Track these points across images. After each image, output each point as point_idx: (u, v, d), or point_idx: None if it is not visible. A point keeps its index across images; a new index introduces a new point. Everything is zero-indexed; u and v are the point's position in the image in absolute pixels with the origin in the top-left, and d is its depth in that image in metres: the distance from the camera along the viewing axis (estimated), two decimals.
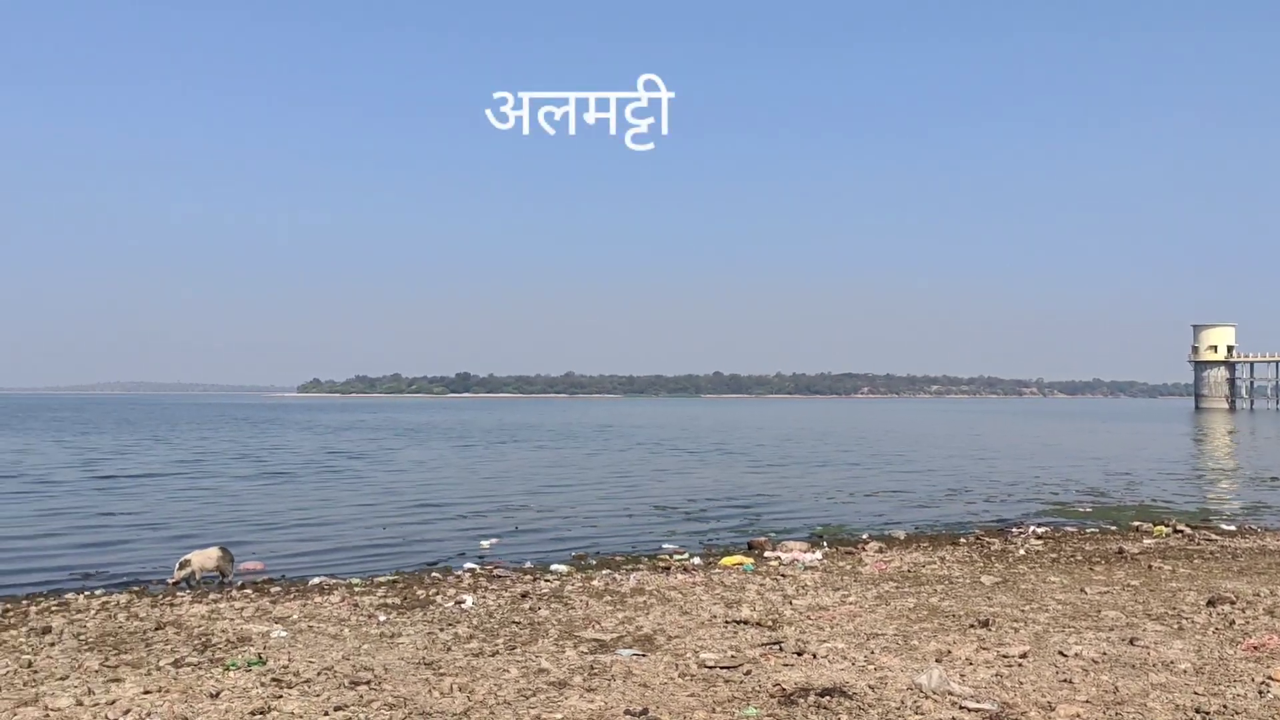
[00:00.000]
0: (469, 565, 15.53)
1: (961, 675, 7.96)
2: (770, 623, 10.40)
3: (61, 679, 8.06)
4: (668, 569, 14.84)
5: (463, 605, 11.79)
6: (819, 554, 16.08)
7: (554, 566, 15.25)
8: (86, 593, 12.97)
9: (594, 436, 61.66)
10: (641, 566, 15.20)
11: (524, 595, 12.40)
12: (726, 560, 15.55)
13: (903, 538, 18.70)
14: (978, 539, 18.14)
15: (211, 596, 12.66)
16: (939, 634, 9.71)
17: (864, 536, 18.69)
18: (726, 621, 10.50)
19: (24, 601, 12.45)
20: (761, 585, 13.00)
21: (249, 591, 13.18)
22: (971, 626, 10.04)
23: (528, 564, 15.69)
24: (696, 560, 15.77)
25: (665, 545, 17.98)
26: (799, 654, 8.82)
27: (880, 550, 16.59)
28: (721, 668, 8.32)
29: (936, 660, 8.52)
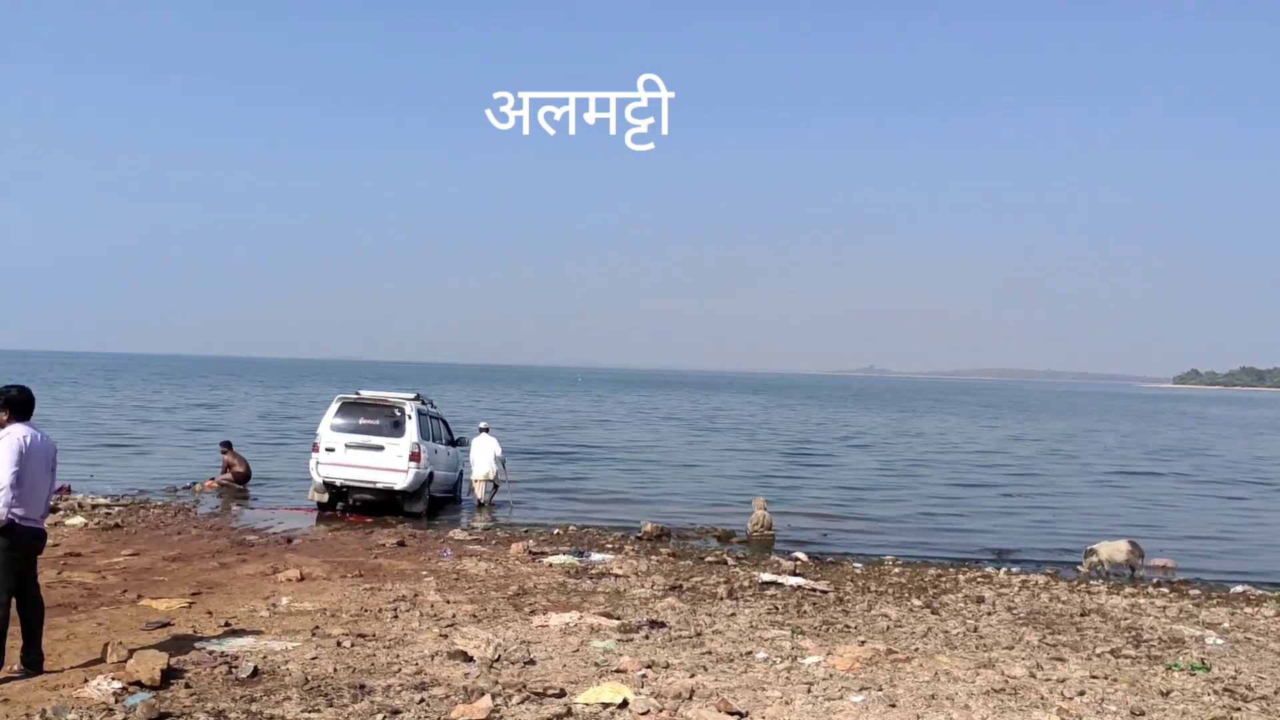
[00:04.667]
0: None
1: None
2: None
3: (1007, 648, 8.59)
4: None
5: None
6: None
7: None
8: (1005, 569, 13.71)
9: None
10: None
11: None
12: None
13: None
14: None
15: (1127, 590, 12.46)
16: None
17: None
18: None
19: (951, 569, 13.63)
20: None
21: (1165, 590, 12.70)
22: None
23: None
24: None
25: None
26: None
27: None
28: None
29: None
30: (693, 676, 6.98)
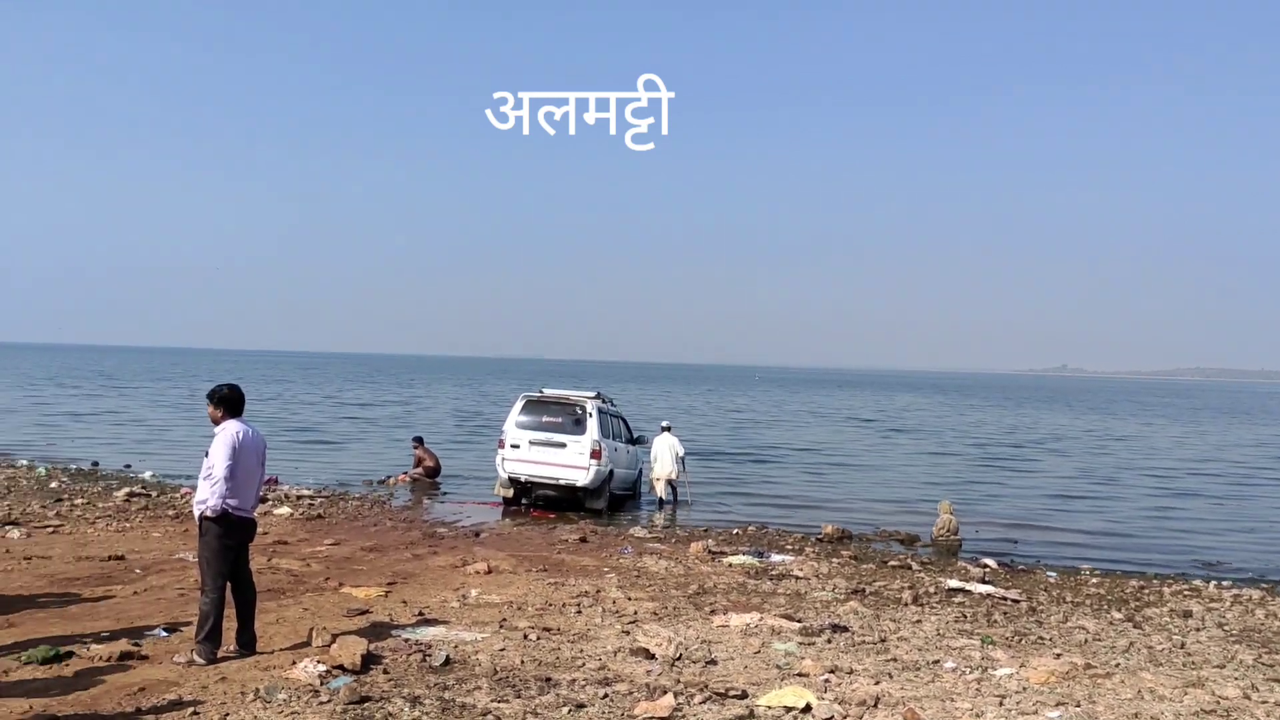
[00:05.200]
0: None
1: None
2: None
3: (1218, 667, 8.02)
4: None
5: None
6: None
7: None
8: (1215, 583, 12.83)
9: None
10: None
11: None
12: None
13: None
14: None
15: None
16: None
17: None
18: None
19: (1155, 581, 12.86)
20: None
21: None
22: None
23: None
24: None
25: None
26: None
27: None
28: None
29: None
30: (877, 684, 6.82)
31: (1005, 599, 10.86)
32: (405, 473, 20.49)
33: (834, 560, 13.11)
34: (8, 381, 62.14)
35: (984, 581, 11.89)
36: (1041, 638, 8.93)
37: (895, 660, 7.66)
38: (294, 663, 6.68)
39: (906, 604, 10.23)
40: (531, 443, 17.03)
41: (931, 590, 11.15)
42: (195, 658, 6.65)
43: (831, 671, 7.08)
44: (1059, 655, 8.07)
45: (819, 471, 26.81)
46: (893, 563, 13.24)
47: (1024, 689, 6.90)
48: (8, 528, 12.23)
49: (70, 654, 6.70)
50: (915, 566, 13.03)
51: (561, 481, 16.90)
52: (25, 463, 20.29)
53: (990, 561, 13.62)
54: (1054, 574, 13.14)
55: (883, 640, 8.36)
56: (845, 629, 8.67)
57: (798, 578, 11.57)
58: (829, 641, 8.19)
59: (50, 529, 12.49)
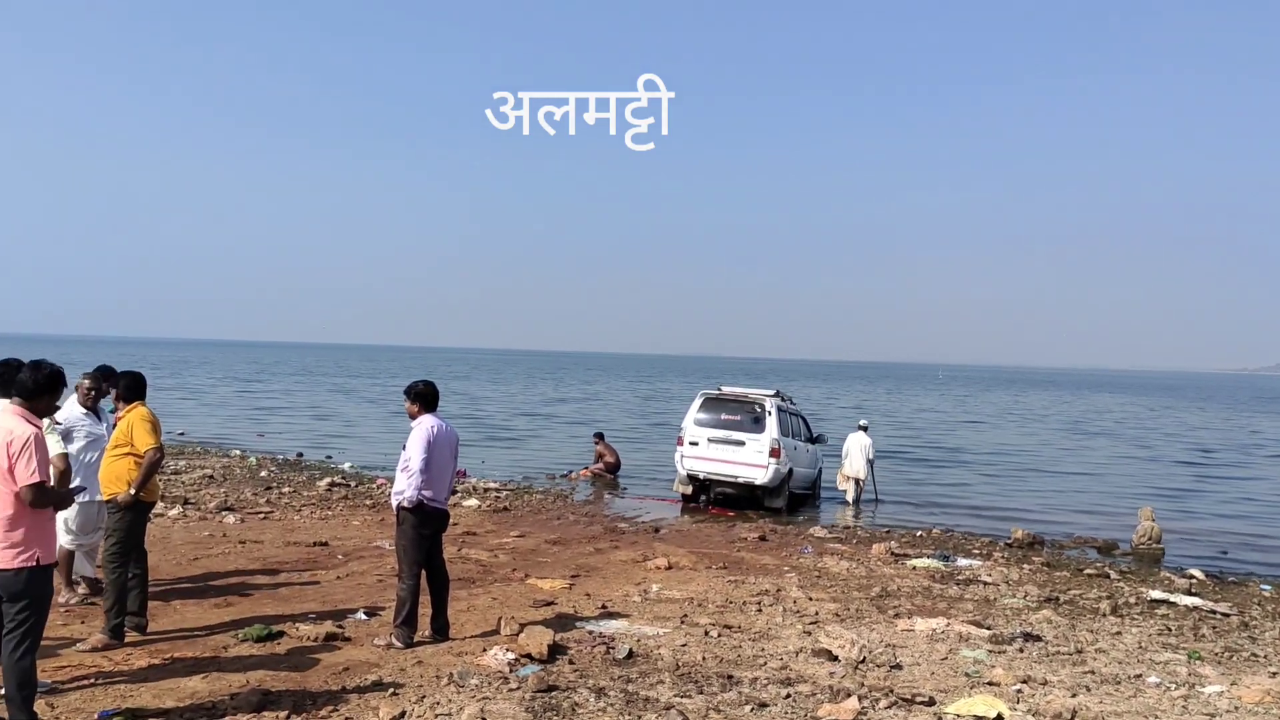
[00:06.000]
0: None
1: None
2: None
3: None
4: None
5: None
6: None
7: None
8: None
9: None
10: None
11: None
12: None
13: None
14: None
15: None
16: None
17: None
18: None
19: None
20: None
21: None
22: None
23: None
24: None
25: None
26: None
27: None
28: None
29: None
30: (1074, 696, 6.52)
31: (1214, 612, 10.18)
32: (586, 468, 20.90)
33: (1024, 566, 12.60)
34: (220, 375, 66.73)
35: (1190, 593, 11.19)
36: (1255, 655, 8.34)
37: (1093, 673, 7.31)
38: (484, 650, 6.92)
39: (1104, 614, 9.74)
40: (710, 440, 17.07)
41: (1132, 601, 10.58)
42: (394, 641, 6.98)
43: (1024, 682, 6.82)
44: (1275, 674, 7.52)
45: (1008, 474, 25.84)
46: (1089, 571, 12.63)
47: (1236, 708, 6.47)
48: (224, 513, 13.14)
49: (281, 633, 7.16)
50: (1114, 575, 12.39)
51: (740, 479, 16.87)
52: (238, 452, 21.73)
53: (1196, 572, 12.80)
54: (1269, 587, 12.24)
55: (1079, 651, 7.99)
56: (1038, 638, 8.34)
57: (986, 583, 11.18)
58: (1021, 650, 7.89)
59: (261, 515, 13.34)
